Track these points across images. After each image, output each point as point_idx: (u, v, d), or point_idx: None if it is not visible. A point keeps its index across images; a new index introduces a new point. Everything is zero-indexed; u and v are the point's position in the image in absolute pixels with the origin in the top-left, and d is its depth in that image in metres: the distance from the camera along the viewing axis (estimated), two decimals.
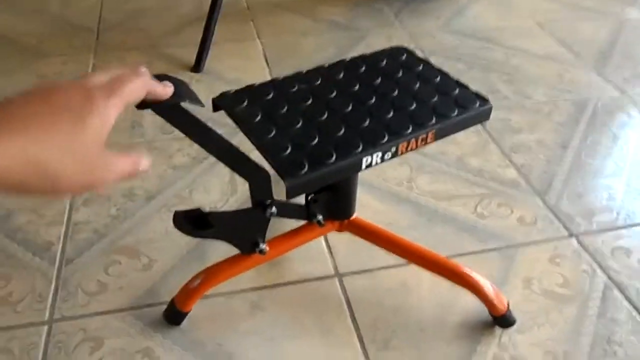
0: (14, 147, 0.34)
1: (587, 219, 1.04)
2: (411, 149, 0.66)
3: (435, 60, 1.52)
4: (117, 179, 0.41)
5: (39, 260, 0.93)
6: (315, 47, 1.58)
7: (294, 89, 0.72)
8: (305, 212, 0.78)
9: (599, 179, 1.14)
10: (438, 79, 0.74)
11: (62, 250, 0.95)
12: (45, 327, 0.83)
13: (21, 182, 0.35)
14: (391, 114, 0.68)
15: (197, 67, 1.45)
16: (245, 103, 0.70)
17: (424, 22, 1.72)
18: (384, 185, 1.10)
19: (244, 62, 1.50)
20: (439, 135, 0.67)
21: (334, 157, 0.61)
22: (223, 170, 1.11)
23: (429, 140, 0.66)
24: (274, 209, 0.69)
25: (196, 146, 0.61)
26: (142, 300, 0.86)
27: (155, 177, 1.11)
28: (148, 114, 1.35)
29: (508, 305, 0.83)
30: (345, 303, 0.87)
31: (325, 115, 0.68)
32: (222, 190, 1.08)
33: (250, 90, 0.72)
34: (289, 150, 0.63)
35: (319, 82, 0.74)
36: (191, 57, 1.46)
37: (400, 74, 0.75)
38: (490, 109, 0.70)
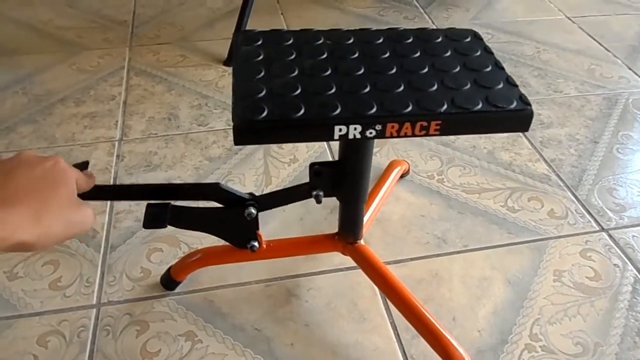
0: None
1: (618, 213, 1.05)
2: (405, 135, 0.54)
3: None
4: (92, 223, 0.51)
5: (85, 247, 0.97)
6: None
7: (318, 42, 0.64)
8: (301, 192, 0.71)
9: (630, 173, 1.15)
10: (488, 69, 0.60)
11: (106, 238, 0.99)
12: (94, 311, 0.87)
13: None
14: (400, 89, 0.56)
15: (229, 60, 1.48)
16: (259, 43, 0.64)
17: (453, 15, 1.72)
18: (416, 178, 1.12)
19: None
20: (445, 129, 0.54)
21: (301, 112, 0.53)
22: (257, 162, 1.14)
23: (431, 130, 0.54)
24: (251, 210, 0.65)
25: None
26: (184, 287, 0.90)
27: (191, 169, 1.14)
28: (185, 107, 1.37)
29: None
30: (379, 292, 0.90)
31: (327, 73, 0.58)
32: (256, 181, 1.11)
33: (273, 33, 0.66)
34: (261, 94, 0.55)
35: (350, 41, 0.64)
36: (223, 50, 1.50)
37: (448, 54, 0.62)
38: (529, 117, 0.56)
